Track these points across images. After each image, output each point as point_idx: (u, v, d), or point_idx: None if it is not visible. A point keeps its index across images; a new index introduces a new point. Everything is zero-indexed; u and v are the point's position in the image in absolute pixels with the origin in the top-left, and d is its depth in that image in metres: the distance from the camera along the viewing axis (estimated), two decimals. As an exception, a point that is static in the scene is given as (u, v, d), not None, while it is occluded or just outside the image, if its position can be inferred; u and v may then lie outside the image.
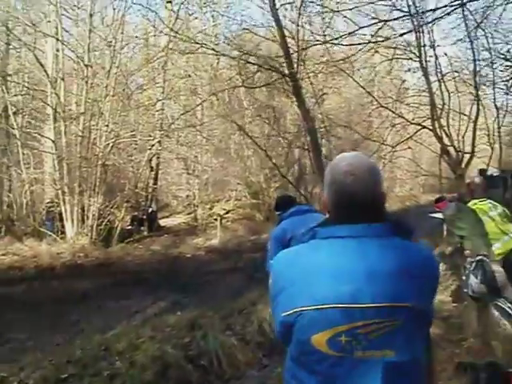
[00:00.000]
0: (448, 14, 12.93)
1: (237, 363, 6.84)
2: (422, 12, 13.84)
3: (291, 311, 1.88)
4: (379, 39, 13.85)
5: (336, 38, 14.60)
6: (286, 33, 15.12)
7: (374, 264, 1.86)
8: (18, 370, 6.00)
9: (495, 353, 5.40)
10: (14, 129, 20.02)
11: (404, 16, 13.89)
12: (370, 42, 12.37)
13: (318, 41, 14.91)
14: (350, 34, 14.38)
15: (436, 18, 12.86)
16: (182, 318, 8.29)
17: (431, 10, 13.21)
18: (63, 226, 18.42)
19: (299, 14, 14.97)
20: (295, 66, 14.74)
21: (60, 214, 18.51)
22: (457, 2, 10.93)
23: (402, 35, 14.04)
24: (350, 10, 13.50)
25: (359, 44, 13.84)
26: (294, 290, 1.89)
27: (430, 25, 13.97)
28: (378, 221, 1.95)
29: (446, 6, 10.23)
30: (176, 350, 6.65)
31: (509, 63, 15.16)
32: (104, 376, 5.84)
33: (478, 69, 15.63)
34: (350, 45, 14.44)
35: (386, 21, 14.15)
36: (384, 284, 1.84)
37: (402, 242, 1.96)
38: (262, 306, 8.39)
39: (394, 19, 14.42)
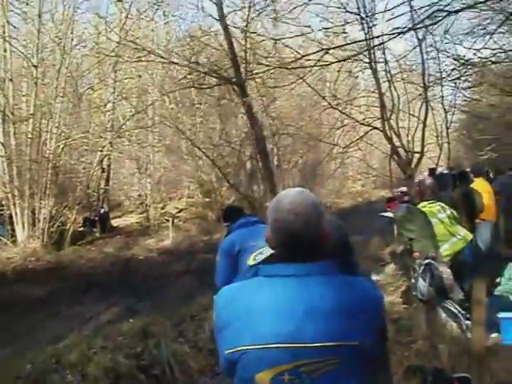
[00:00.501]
0: (395, 17, 13.25)
1: (190, 371, 6.86)
2: (372, 14, 14.04)
3: (234, 349, 1.90)
4: (331, 45, 13.95)
5: (284, 38, 14.75)
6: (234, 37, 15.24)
7: (315, 302, 1.87)
8: None
9: (441, 356, 5.54)
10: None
11: (355, 21, 14.07)
12: (322, 49, 12.40)
13: (265, 37, 15.04)
14: (300, 35, 14.57)
15: (387, 20, 13.02)
16: (135, 325, 8.24)
17: (381, 12, 13.41)
18: (13, 230, 18.14)
19: (247, 18, 15.12)
20: (242, 69, 14.83)
21: (10, 217, 18.19)
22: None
23: (354, 42, 14.16)
24: (301, 10, 13.57)
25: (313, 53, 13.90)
26: (237, 327, 1.91)
27: (380, 25, 14.17)
28: (321, 258, 1.95)
29: (394, 7, 10.37)
30: (128, 359, 6.62)
31: (457, 62, 15.43)
32: (54, 390, 5.80)
33: (426, 69, 15.96)
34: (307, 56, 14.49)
35: (338, 26, 14.39)
36: (326, 322, 1.85)
37: (345, 280, 1.98)
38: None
39: (347, 23, 14.64)
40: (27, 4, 20.28)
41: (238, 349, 1.89)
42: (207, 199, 26.40)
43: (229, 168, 23.43)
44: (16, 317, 10.44)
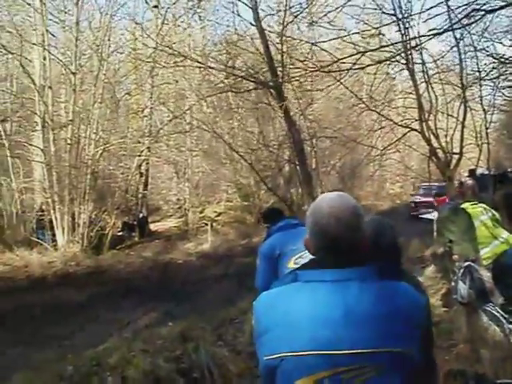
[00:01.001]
0: (432, 17, 13.07)
1: (229, 375, 6.83)
2: (409, 15, 13.91)
3: (273, 356, 1.87)
4: (368, 47, 13.84)
5: (320, 42, 14.69)
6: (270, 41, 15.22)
7: (353, 308, 1.84)
8: None
9: (483, 360, 5.43)
10: (1, 137, 19.95)
11: (393, 22, 13.95)
12: (359, 52, 12.34)
13: (301, 41, 14.97)
14: (336, 38, 14.51)
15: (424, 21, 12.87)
16: (174, 329, 8.26)
17: (417, 13, 13.27)
18: (54, 235, 18.42)
19: (283, 22, 15.08)
20: (279, 73, 14.79)
21: (51, 222, 18.46)
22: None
23: (391, 44, 14.05)
24: (337, 13, 13.51)
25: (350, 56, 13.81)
26: (276, 333, 1.88)
27: (417, 26, 14.03)
28: (361, 264, 1.91)
29: (431, 7, 10.24)
30: (168, 363, 6.61)
31: (496, 61, 15.20)
32: (95, 393, 5.85)
33: (464, 69, 15.75)
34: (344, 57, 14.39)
35: (374, 28, 14.26)
36: (364, 329, 1.82)
37: (386, 285, 1.93)
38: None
39: (383, 25, 14.55)
40: (65, 13, 20.59)
41: (277, 355, 1.87)
42: (245, 203, 26.47)
43: (267, 171, 23.41)
44: (57, 320, 10.57)
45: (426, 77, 15.40)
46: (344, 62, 13.14)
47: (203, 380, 6.52)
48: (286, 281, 2.02)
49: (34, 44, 19.79)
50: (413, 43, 13.56)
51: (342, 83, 15.18)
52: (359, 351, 1.80)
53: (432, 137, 15.29)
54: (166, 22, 22.59)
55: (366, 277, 1.91)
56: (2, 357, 8.40)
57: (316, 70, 14.03)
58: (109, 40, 20.54)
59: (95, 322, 10.47)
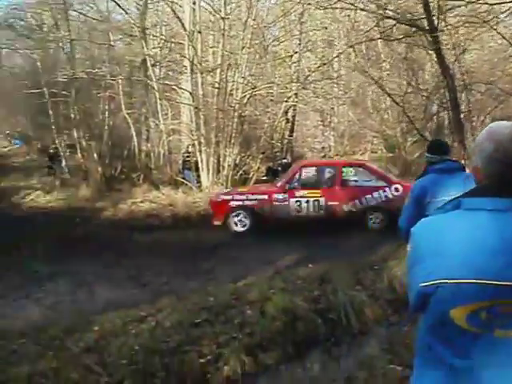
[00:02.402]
0: None
1: (365, 319, 6.86)
2: None
3: (430, 283, 1.79)
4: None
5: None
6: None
7: None
8: (155, 312, 6.41)
9: None
10: (152, 81, 20.69)
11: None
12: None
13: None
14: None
15: None
16: (313, 271, 8.32)
17: None
18: (199, 176, 18.96)
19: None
20: (435, 19, 14.11)
21: (196, 163, 18.99)
22: None
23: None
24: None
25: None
26: (434, 260, 1.80)
27: None
28: None
29: None
30: (306, 302, 6.76)
31: None
32: (234, 323, 6.07)
33: None
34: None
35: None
36: None
37: None
38: (394, 262, 8.28)
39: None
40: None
41: (434, 282, 1.77)
42: (391, 154, 25.88)
43: (416, 122, 22.68)
44: (199, 257, 10.93)
45: None
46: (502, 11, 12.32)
47: (339, 322, 6.64)
48: (447, 208, 1.91)
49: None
50: None
51: (498, 32, 14.33)
52: None
53: None
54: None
55: None
56: (150, 284, 8.88)
57: (472, 16, 13.31)
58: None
59: (236, 260, 10.67)
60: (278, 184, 14.49)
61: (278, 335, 5.98)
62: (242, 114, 19.90)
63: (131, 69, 23.60)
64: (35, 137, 32.50)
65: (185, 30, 19.43)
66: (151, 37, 22.89)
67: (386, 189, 13.65)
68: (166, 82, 22.05)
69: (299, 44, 23.91)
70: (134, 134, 21.92)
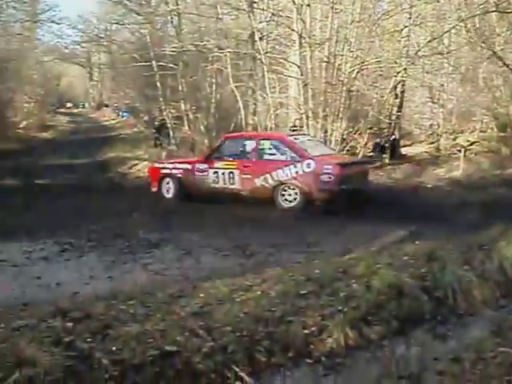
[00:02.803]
0: None
1: (472, 300, 6.62)
2: None
3: None
4: None
5: None
6: None
7: None
8: (261, 281, 6.42)
9: None
10: (260, 54, 20.70)
11: None
12: None
13: None
14: None
15: None
16: (420, 248, 8.14)
17: None
18: (308, 150, 18.80)
19: None
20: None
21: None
22: None
23: None
24: None
25: None
26: None
27: None
28: None
29: None
30: (412, 279, 6.60)
31: None
32: (340, 296, 5.98)
33: None
34: None
35: None
36: None
37: None
38: (505, 243, 7.95)
39: None
40: None
41: None
42: (502, 133, 24.89)
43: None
44: (304, 230, 10.89)
45: None
46: None
47: (445, 301, 6.45)
48: None
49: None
50: None
51: None
52: None
53: None
54: None
55: None
56: (256, 254, 8.87)
57: None
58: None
59: (341, 233, 10.57)
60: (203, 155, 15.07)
61: (383, 310, 5.88)
62: (351, 89, 19.59)
63: (238, 42, 23.69)
64: (143, 109, 33.30)
65: (294, 3, 19.23)
66: (259, 10, 22.86)
67: (298, 164, 13.23)
68: (274, 56, 21.99)
69: (409, 18, 23.23)
70: (242, 107, 22.06)
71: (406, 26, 23.23)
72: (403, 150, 25.06)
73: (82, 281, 7.26)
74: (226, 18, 25.28)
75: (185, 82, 23.42)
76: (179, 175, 14.80)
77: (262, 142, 14.23)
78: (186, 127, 23.93)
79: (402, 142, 25.64)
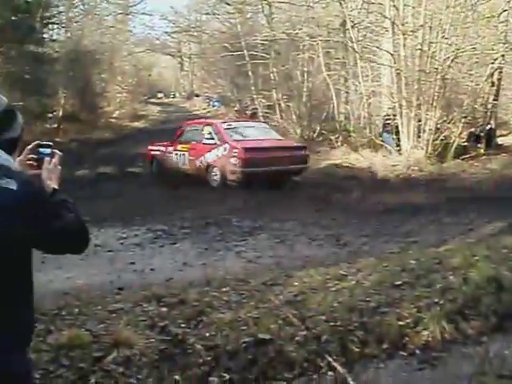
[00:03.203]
0: None
1: None
2: None
3: None
4: None
5: None
6: None
7: None
8: (355, 271, 6.35)
9: None
10: (352, 42, 20.53)
11: None
12: None
13: None
14: None
15: None
16: (520, 241, 7.89)
17: None
18: (399, 139, 18.65)
19: None
20: None
21: (396, 126, 18.68)
22: None
23: None
24: None
25: None
26: None
27: None
28: None
29: None
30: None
31: None
32: (436, 288, 5.82)
33: None
34: None
35: None
36: None
37: None
38: None
39: None
40: None
41: None
42: None
43: None
44: (398, 220, 10.81)
45: None
46: None
47: None
48: None
49: None
50: None
51: None
52: None
53: None
54: None
55: None
56: (349, 244, 8.88)
57: None
58: None
59: (436, 224, 10.40)
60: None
61: (481, 305, 5.59)
62: (445, 77, 19.12)
63: (329, 30, 23.55)
64: (234, 99, 33.59)
65: (386, -11, 18.93)
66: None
67: (220, 148, 14.92)
68: (367, 44, 21.74)
69: (508, 2, 22.42)
70: (334, 95, 21.96)
71: (504, 10, 22.42)
72: (499, 140, 24.25)
73: (175, 267, 7.52)
74: (317, 7, 25.15)
75: (276, 70, 23.46)
76: (158, 157, 17.27)
77: (204, 127, 15.97)
78: (278, 116, 23.95)
79: (498, 132, 24.81)
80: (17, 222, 1.91)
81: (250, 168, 14.09)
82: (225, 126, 15.95)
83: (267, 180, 13.84)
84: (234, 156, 14.35)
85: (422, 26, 18.94)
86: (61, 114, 33.95)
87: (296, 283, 6.01)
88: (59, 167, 2.31)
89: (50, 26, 34.75)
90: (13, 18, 26.52)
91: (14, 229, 1.90)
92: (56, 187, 2.20)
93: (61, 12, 36.31)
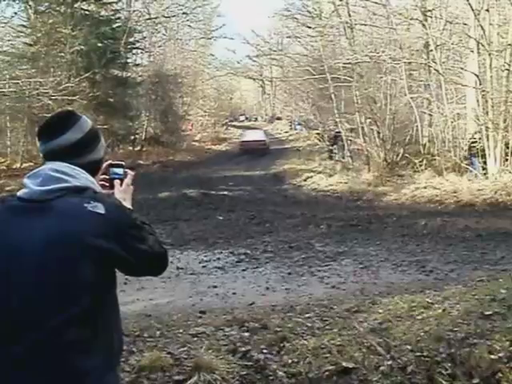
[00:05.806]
0: None
1: None
2: None
3: None
4: None
5: None
6: None
7: None
8: (442, 299, 6.17)
9: None
10: (435, 63, 20.27)
11: None
12: None
13: None
14: None
15: None
16: None
17: None
18: (485, 163, 18.10)
19: None
20: None
21: (482, 150, 18.18)
22: None
23: None
24: None
25: None
26: None
27: None
28: None
29: None
30: None
31: None
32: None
33: None
34: None
35: None
36: None
37: None
38: None
39: None
40: None
41: None
42: None
43: None
44: (486, 246, 10.50)
45: None
46: None
47: None
48: None
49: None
50: None
51: None
52: None
53: None
54: None
55: None
56: (435, 271, 8.70)
57: None
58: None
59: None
60: None
61: None
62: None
63: (412, 52, 23.35)
64: (316, 122, 33.67)
65: (472, 8, 18.58)
66: (433, 18, 22.39)
67: None
68: (451, 65, 21.42)
69: None
70: (418, 118, 21.72)
71: None
72: None
73: (257, 291, 7.57)
74: (400, 28, 24.99)
75: (359, 93, 23.39)
76: None
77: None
78: (361, 139, 23.83)
79: None
80: (105, 246, 1.95)
81: None
82: None
83: None
84: None
85: (509, 44, 18.46)
86: (144, 136, 34.97)
87: (380, 310, 5.92)
88: (132, 187, 2.39)
89: (134, 51, 36.05)
90: (99, 45, 27.61)
91: (103, 254, 1.96)
92: (130, 207, 2.25)
93: (144, 37, 37.60)
